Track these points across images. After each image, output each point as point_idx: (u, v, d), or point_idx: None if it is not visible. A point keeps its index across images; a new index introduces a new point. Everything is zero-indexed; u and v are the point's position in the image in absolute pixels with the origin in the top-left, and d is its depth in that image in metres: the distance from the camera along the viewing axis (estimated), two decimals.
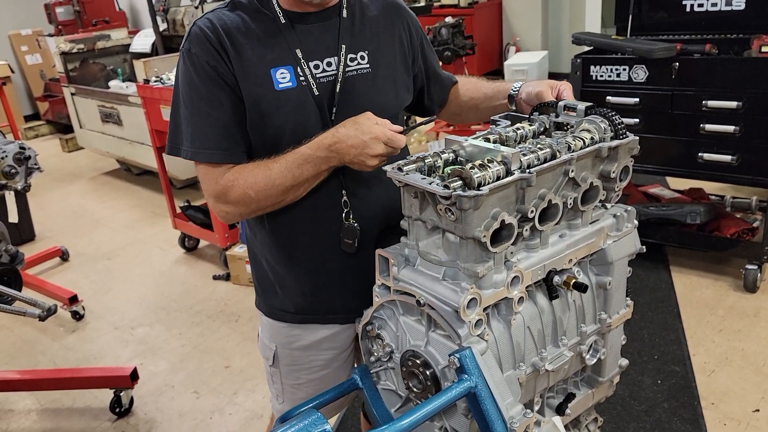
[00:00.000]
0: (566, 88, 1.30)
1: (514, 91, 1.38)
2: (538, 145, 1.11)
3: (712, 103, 2.71)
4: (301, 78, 1.24)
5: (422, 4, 7.13)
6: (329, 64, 1.26)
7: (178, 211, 3.93)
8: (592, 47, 3.14)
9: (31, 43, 8.16)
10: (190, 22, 5.16)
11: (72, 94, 5.53)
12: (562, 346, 1.20)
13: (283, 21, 1.24)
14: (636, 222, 1.29)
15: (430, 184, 1.01)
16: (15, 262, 2.37)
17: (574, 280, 1.16)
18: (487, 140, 1.17)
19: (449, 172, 1.03)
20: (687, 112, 2.79)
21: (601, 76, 2.99)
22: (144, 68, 4.32)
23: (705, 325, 2.70)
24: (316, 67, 1.25)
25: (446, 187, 0.98)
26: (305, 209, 1.31)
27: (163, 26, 5.27)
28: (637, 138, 1.20)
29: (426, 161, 1.09)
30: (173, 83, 3.78)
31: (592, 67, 3.01)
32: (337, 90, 1.26)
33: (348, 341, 1.48)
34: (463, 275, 1.05)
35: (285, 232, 1.36)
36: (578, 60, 3.06)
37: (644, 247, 1.31)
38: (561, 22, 7.50)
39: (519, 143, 1.19)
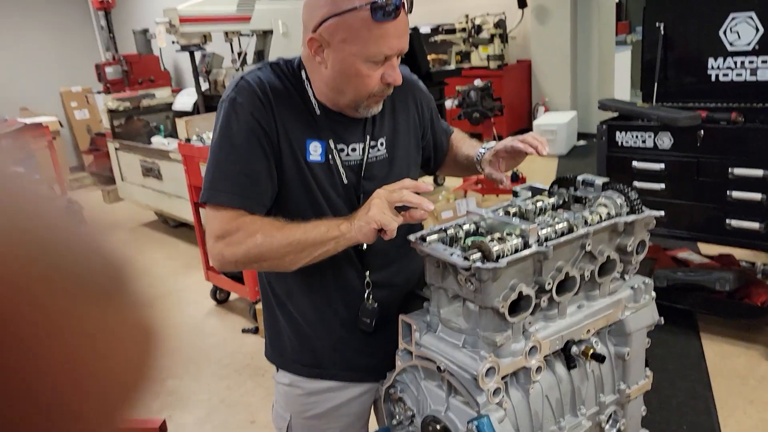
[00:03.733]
0: (524, 138, 1.35)
1: (479, 156, 1.46)
2: (556, 219, 1.17)
3: (738, 171, 2.73)
4: (330, 157, 1.30)
5: (452, 67, 7.35)
6: (354, 150, 1.34)
7: (211, 263, 4.04)
8: (617, 114, 3.21)
9: (80, 100, 8.62)
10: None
11: (116, 149, 5.80)
12: (580, 415, 1.23)
13: (319, 113, 1.30)
14: (654, 294, 1.32)
15: (451, 255, 1.07)
16: None
17: (592, 351, 1.19)
18: (507, 213, 1.23)
19: (470, 243, 1.10)
20: (713, 179, 2.82)
21: (627, 142, 3.04)
22: (186, 126, 4.54)
23: (736, 395, 2.64)
24: (342, 150, 1.32)
25: (466, 258, 1.04)
26: (327, 286, 1.36)
27: (204, 86, 5.53)
28: (653, 213, 1.24)
29: (448, 232, 1.16)
30: None
31: (617, 133, 3.07)
32: (362, 175, 1.34)
33: (363, 409, 1.48)
34: (482, 343, 1.10)
35: (306, 299, 1.39)
36: (604, 126, 3.13)
37: (662, 318, 1.33)
38: (590, 83, 7.63)
39: (538, 216, 1.24)
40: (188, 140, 3.91)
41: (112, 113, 5.81)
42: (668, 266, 3.23)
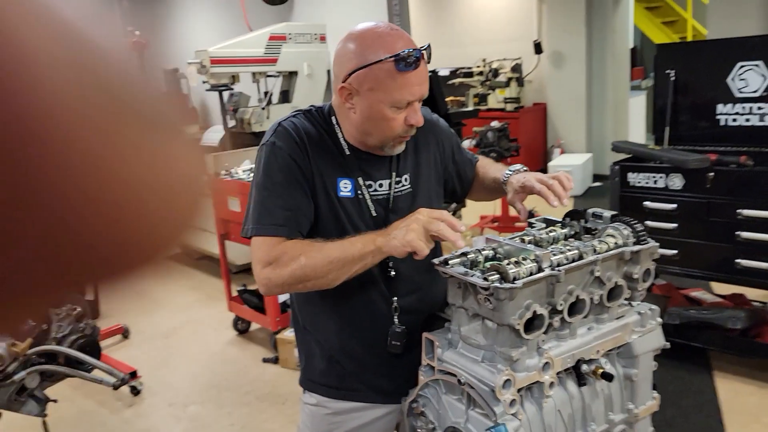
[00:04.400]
0: (557, 182, 1.43)
1: (505, 177, 1.56)
2: (567, 247, 1.28)
3: (747, 212, 2.82)
4: (359, 192, 1.44)
5: (470, 108, 7.55)
6: (381, 185, 1.47)
7: (234, 294, 4.17)
8: (630, 155, 3.33)
9: None
10: (256, 121, 5.65)
11: None
12: (590, 431, 1.31)
13: (348, 153, 1.44)
14: (660, 320, 1.42)
15: (472, 276, 1.19)
16: (93, 335, 2.60)
17: (601, 370, 1.29)
18: (523, 241, 1.35)
19: (488, 266, 1.21)
20: (723, 219, 2.91)
21: (639, 182, 3.15)
22: (214, 162, 4.73)
23: None
24: (370, 186, 1.46)
25: (485, 279, 1.16)
26: (355, 313, 1.47)
27: (231, 123, 5.77)
28: (657, 244, 1.35)
29: (469, 257, 1.27)
30: (240, 177, 4.08)
31: (629, 174, 3.19)
32: (390, 209, 1.47)
33: (385, 429, 1.57)
34: (499, 358, 1.20)
35: (333, 324, 1.50)
36: (616, 167, 3.25)
37: (668, 343, 1.43)
38: (605, 126, 7.78)
39: (551, 245, 1.36)
40: (217, 174, 4.09)
41: None
42: (681, 304, 3.30)
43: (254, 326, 4.24)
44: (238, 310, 4.12)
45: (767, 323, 3.09)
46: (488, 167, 1.70)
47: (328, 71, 6.11)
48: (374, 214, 1.45)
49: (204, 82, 5.35)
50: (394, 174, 1.48)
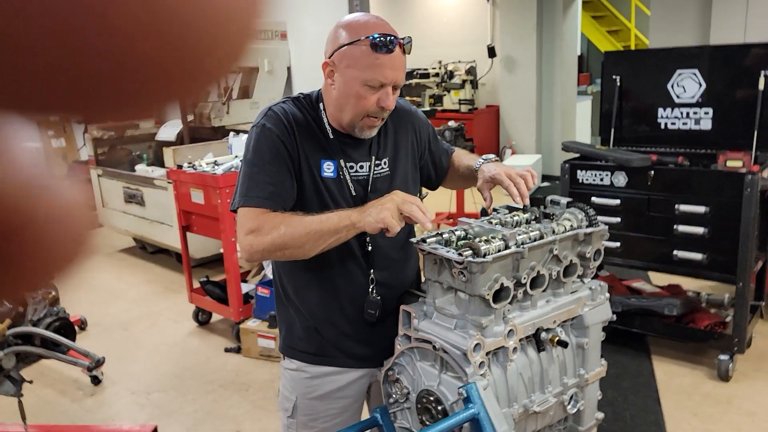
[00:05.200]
0: (523, 180, 1.58)
1: (477, 165, 1.71)
2: (530, 229, 1.45)
3: (683, 208, 3.08)
4: (341, 173, 1.56)
5: (427, 108, 7.75)
6: (362, 167, 1.59)
7: (196, 285, 4.20)
8: (579, 154, 3.56)
9: (57, 128, 8.71)
10: (216, 115, 5.67)
11: (99, 176, 5.94)
12: (547, 393, 1.48)
13: (332, 137, 1.57)
14: (608, 294, 1.60)
15: (448, 252, 1.33)
16: (67, 318, 2.62)
17: (557, 338, 1.45)
18: (491, 223, 1.50)
19: (461, 245, 1.36)
20: (662, 214, 3.16)
21: (587, 179, 3.38)
22: (173, 155, 4.74)
23: (682, 409, 2.93)
24: (351, 167, 1.58)
25: (460, 254, 1.31)
26: (335, 283, 1.59)
27: (189, 118, 5.75)
28: (606, 227, 1.53)
29: (443, 236, 1.42)
30: (204, 169, 4.12)
31: (578, 172, 3.42)
32: (369, 189, 1.59)
33: (360, 392, 1.71)
34: (470, 326, 1.35)
35: (315, 294, 1.62)
36: (567, 165, 3.47)
37: (615, 315, 1.61)
38: (554, 129, 8.11)
39: (515, 227, 1.52)
40: (179, 166, 4.12)
41: (97, 141, 5.97)
42: (623, 294, 3.55)
43: (215, 318, 4.29)
44: (199, 301, 4.16)
45: (700, 310, 3.37)
46: (463, 157, 1.84)
47: (288, 68, 6.17)
48: (354, 193, 1.57)
49: None
50: (373, 157, 1.60)
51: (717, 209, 3.01)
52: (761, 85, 3.12)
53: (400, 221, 1.39)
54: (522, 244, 1.38)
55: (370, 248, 1.58)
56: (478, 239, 1.36)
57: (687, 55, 3.40)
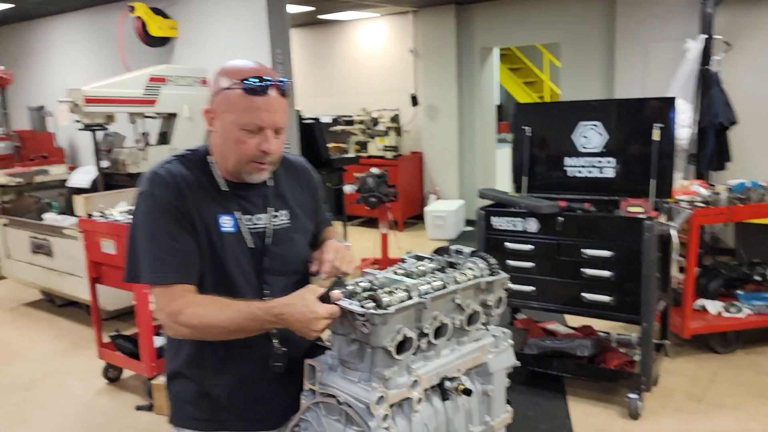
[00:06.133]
0: (328, 260, 1.58)
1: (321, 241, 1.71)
2: (433, 278, 1.47)
3: (590, 252, 3.23)
4: (240, 227, 1.53)
5: (351, 155, 7.85)
6: (259, 219, 1.57)
7: (106, 340, 3.99)
8: (494, 201, 3.68)
9: None
10: (132, 162, 5.51)
11: (4, 225, 5.61)
12: None
13: (226, 189, 1.54)
14: (511, 342, 1.64)
15: (350, 304, 1.33)
16: None
17: (462, 387, 1.47)
18: (396, 273, 1.52)
19: (365, 296, 1.36)
20: (571, 258, 3.30)
21: (501, 225, 3.49)
22: (84, 203, 4.55)
23: None
24: (249, 220, 1.55)
25: (362, 306, 1.31)
26: (231, 341, 1.51)
27: (104, 164, 5.56)
28: (508, 276, 1.58)
29: (348, 288, 1.42)
30: (115, 218, 3.98)
31: (493, 218, 3.52)
32: (268, 242, 1.56)
33: None
34: (374, 378, 1.34)
35: (209, 358, 1.56)
36: (483, 211, 3.57)
37: (519, 362, 1.64)
38: (475, 175, 8.37)
39: (420, 277, 1.54)
40: (90, 215, 3.95)
41: (3, 188, 5.66)
42: (539, 336, 3.64)
43: (126, 374, 4.07)
44: (109, 357, 3.95)
45: (610, 350, 3.50)
46: (329, 232, 1.81)
47: None
48: (252, 245, 1.55)
49: (77, 122, 5.16)
50: (271, 209, 1.59)
51: (621, 253, 3.17)
52: (656, 136, 3.36)
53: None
54: (425, 294, 1.40)
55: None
56: (381, 291, 1.37)
57: (589, 108, 3.62)
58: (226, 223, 1.52)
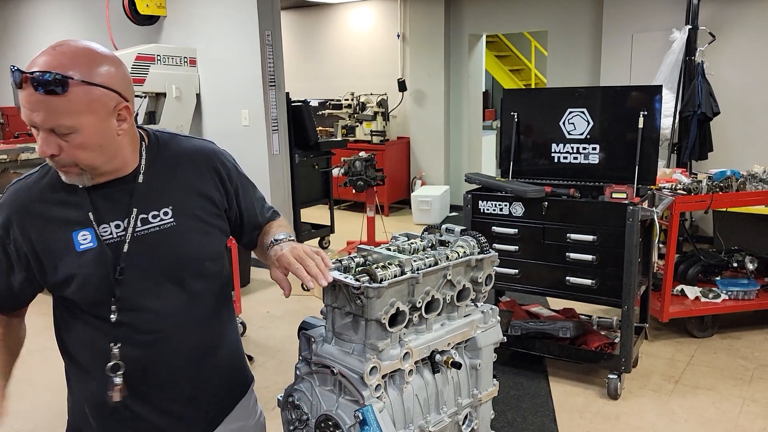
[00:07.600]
0: (313, 261, 1.39)
1: (267, 246, 1.52)
2: (425, 255, 1.52)
3: (574, 236, 3.30)
4: (100, 240, 1.34)
5: (339, 139, 7.86)
6: (117, 226, 1.35)
7: None
8: (480, 186, 3.73)
9: None
10: None
11: None
12: (442, 413, 1.54)
13: (79, 195, 1.33)
14: (499, 318, 1.69)
15: (346, 278, 1.37)
16: None
17: (452, 360, 1.52)
18: (389, 249, 1.56)
19: (359, 270, 1.41)
20: (556, 242, 3.37)
21: (488, 209, 3.55)
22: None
23: (576, 427, 3.09)
24: (105, 230, 1.34)
25: (357, 280, 1.35)
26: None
27: None
28: (496, 254, 1.63)
29: (343, 263, 1.46)
30: None
31: (480, 202, 3.58)
32: (125, 250, 1.35)
33: None
34: (368, 350, 1.39)
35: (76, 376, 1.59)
36: (469, 195, 3.63)
37: (505, 337, 1.70)
38: (461, 161, 8.43)
39: (412, 254, 1.59)
40: None
41: None
42: (523, 318, 3.72)
43: None
44: None
45: (591, 332, 3.59)
46: (273, 229, 1.59)
47: (198, 95, 6.09)
48: (118, 256, 1.35)
49: None
50: (135, 210, 1.36)
51: (604, 238, 3.25)
52: (640, 124, 3.43)
53: None
54: (417, 269, 1.45)
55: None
56: (376, 266, 1.41)
57: (576, 95, 3.67)
58: (84, 239, 1.33)
